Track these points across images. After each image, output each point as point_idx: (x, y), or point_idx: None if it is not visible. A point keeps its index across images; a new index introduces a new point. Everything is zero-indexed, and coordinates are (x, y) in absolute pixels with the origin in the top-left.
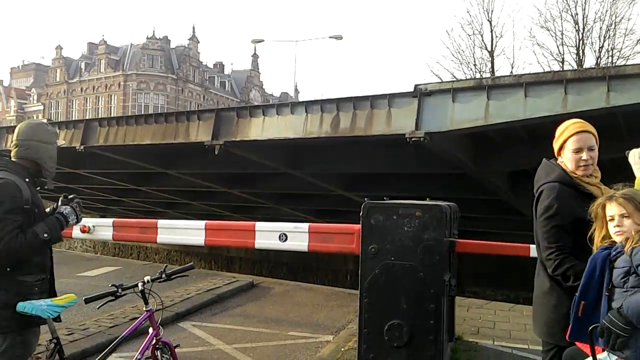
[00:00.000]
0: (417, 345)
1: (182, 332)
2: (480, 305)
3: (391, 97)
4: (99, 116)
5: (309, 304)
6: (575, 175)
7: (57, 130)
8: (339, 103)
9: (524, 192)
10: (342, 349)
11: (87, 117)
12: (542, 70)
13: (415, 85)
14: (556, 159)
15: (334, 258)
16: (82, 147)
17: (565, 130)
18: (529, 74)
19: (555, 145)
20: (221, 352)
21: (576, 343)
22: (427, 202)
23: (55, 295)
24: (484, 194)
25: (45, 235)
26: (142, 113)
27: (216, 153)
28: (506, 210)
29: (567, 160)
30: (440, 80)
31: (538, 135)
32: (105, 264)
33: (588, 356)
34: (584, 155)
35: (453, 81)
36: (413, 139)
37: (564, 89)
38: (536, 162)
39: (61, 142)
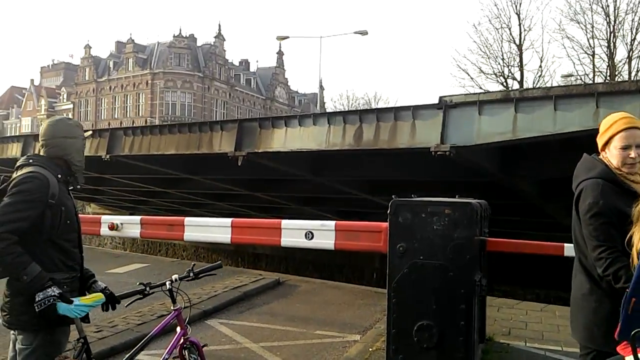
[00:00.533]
0: (447, 346)
1: (209, 329)
2: (512, 305)
3: (415, 109)
4: (128, 115)
5: (336, 302)
6: (620, 172)
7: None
8: (361, 115)
9: (554, 199)
10: (370, 349)
11: (116, 116)
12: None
13: (440, 97)
14: (598, 154)
15: (360, 256)
16: (107, 156)
17: (612, 125)
18: (559, 86)
19: (600, 141)
20: (248, 351)
21: (617, 349)
22: (457, 199)
23: (85, 294)
24: (514, 199)
25: (25, 277)
26: (169, 112)
27: (239, 164)
28: (537, 213)
29: (612, 156)
30: (466, 93)
31: (569, 146)
32: (133, 261)
33: None
34: (632, 153)
35: (479, 93)
36: (438, 153)
37: (596, 103)
38: (567, 172)
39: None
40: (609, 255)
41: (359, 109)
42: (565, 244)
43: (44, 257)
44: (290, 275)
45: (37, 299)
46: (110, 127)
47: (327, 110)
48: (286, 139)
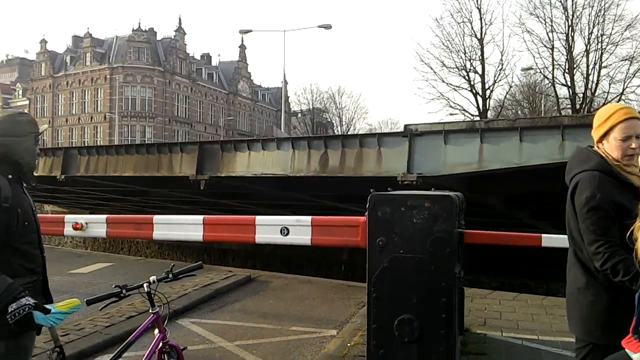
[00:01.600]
0: (428, 340)
1: (181, 329)
2: (484, 295)
3: (380, 137)
4: (86, 111)
5: (309, 297)
6: (617, 164)
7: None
8: (326, 140)
9: (519, 208)
10: (349, 344)
11: (74, 112)
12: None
13: (406, 126)
14: (591, 147)
15: (328, 250)
16: (62, 177)
17: (611, 116)
18: (524, 118)
19: (597, 132)
20: (224, 350)
21: (622, 343)
22: (436, 192)
23: (50, 297)
24: (482, 207)
25: None
26: (129, 107)
27: (202, 188)
28: (503, 216)
29: (612, 148)
30: (431, 122)
31: (534, 173)
32: (97, 260)
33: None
34: (633, 144)
35: (444, 123)
36: (405, 182)
37: (561, 135)
38: (531, 190)
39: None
40: (606, 249)
41: (323, 135)
42: (543, 235)
43: (1, 263)
44: (262, 271)
45: (10, 310)
46: (68, 123)
47: (292, 105)
48: (249, 163)
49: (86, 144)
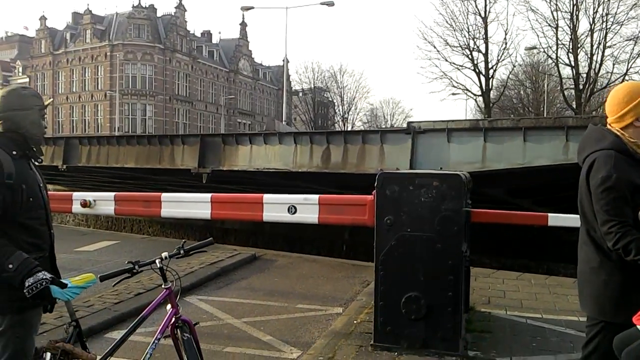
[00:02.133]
0: (435, 317)
1: (189, 306)
2: (488, 274)
3: (383, 133)
4: (87, 88)
5: (314, 275)
6: (633, 141)
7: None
8: (329, 136)
9: (520, 197)
10: (355, 322)
11: (74, 89)
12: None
13: (409, 123)
14: (605, 125)
15: (331, 229)
16: (64, 167)
17: None
18: (528, 118)
19: (637, 110)
20: (231, 327)
21: (634, 320)
22: (445, 171)
23: (57, 273)
24: (482, 196)
25: (10, 266)
26: (130, 85)
27: (204, 181)
28: (503, 201)
29: None
30: (434, 120)
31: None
32: (102, 238)
33: None
34: None
35: (447, 121)
36: None
37: (565, 136)
38: (532, 183)
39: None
40: (618, 229)
41: (325, 130)
42: (550, 214)
43: (8, 239)
44: (266, 250)
45: (27, 284)
46: (69, 101)
47: (293, 84)
48: (251, 157)
49: (87, 122)
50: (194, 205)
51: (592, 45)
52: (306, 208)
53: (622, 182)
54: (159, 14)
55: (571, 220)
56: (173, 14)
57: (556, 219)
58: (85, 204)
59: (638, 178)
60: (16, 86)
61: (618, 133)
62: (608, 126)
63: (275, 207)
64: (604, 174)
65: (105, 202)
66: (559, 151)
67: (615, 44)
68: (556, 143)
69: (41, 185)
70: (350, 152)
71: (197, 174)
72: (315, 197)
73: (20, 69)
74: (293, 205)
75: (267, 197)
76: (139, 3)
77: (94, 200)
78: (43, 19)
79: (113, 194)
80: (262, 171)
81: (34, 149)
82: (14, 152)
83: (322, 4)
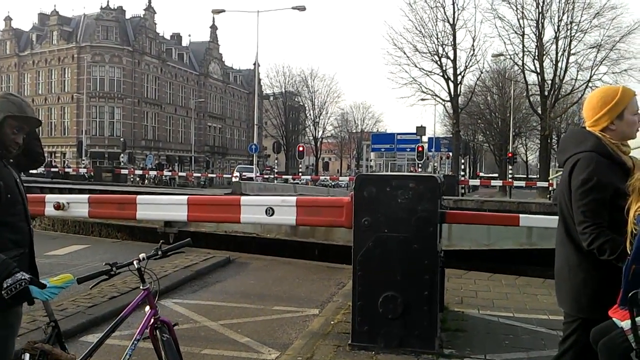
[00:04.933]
0: (411, 316)
1: (164, 310)
2: (460, 275)
3: None
4: (53, 91)
5: (289, 278)
6: (614, 143)
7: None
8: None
9: None
10: (332, 322)
11: (40, 92)
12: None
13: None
14: (585, 128)
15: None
16: None
17: (620, 95)
18: (492, 200)
19: (611, 114)
20: (208, 329)
21: (609, 313)
22: (420, 173)
23: (36, 272)
24: None
25: None
26: (97, 88)
27: (171, 241)
28: None
29: (629, 124)
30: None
31: None
32: (72, 242)
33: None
34: (637, 118)
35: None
36: None
37: None
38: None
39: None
40: (592, 230)
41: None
42: (521, 215)
43: None
44: (241, 253)
45: (5, 285)
46: (35, 104)
47: (264, 88)
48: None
49: (54, 125)
50: (170, 207)
51: (557, 53)
52: (284, 210)
53: (602, 185)
54: (127, 16)
55: (541, 220)
56: (142, 16)
57: (527, 220)
58: (58, 207)
59: (618, 180)
60: (8, 92)
61: (599, 135)
62: (591, 129)
63: (253, 209)
64: (585, 176)
65: (79, 204)
66: (522, 235)
67: (579, 52)
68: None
69: (18, 180)
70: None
71: (164, 233)
72: (292, 199)
73: None
74: (271, 207)
75: (245, 199)
76: (107, 5)
77: (68, 203)
78: (8, 19)
79: (87, 196)
80: (230, 234)
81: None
82: None
83: (293, 8)
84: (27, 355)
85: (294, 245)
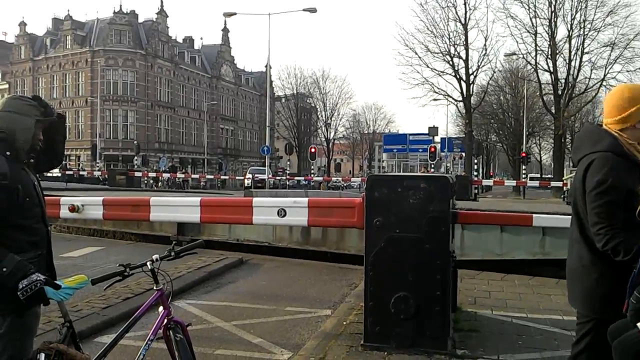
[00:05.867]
0: (424, 316)
1: (178, 310)
2: (473, 275)
3: None
4: (67, 95)
5: (301, 278)
6: (630, 143)
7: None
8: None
9: None
10: (344, 323)
11: (54, 96)
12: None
13: None
14: (600, 126)
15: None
16: None
17: None
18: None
19: (636, 115)
20: (222, 330)
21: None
22: (431, 173)
23: (54, 273)
24: None
25: (4, 269)
26: (111, 92)
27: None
28: None
29: None
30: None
31: None
32: (87, 244)
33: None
34: None
35: None
36: None
37: (542, 230)
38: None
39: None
40: (607, 231)
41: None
42: (534, 215)
43: (5, 239)
44: (252, 254)
45: (21, 286)
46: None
47: (275, 90)
48: (231, 227)
49: (68, 129)
50: (183, 209)
51: (570, 51)
52: (296, 211)
53: (617, 186)
54: (140, 20)
55: (555, 220)
56: (154, 19)
57: (540, 220)
58: (73, 209)
59: (633, 182)
60: (21, 95)
61: (616, 134)
62: (605, 127)
63: (265, 210)
64: (600, 177)
65: (93, 206)
66: (536, 244)
67: (592, 50)
68: (533, 237)
69: (35, 183)
70: (329, 230)
71: (177, 241)
72: (304, 200)
73: (0, 75)
74: (283, 209)
75: (257, 200)
76: (120, 9)
77: (82, 205)
78: (22, 24)
79: (101, 198)
80: (242, 243)
81: (20, 151)
82: (8, 153)
83: (304, 10)
84: (43, 355)
85: (307, 253)
